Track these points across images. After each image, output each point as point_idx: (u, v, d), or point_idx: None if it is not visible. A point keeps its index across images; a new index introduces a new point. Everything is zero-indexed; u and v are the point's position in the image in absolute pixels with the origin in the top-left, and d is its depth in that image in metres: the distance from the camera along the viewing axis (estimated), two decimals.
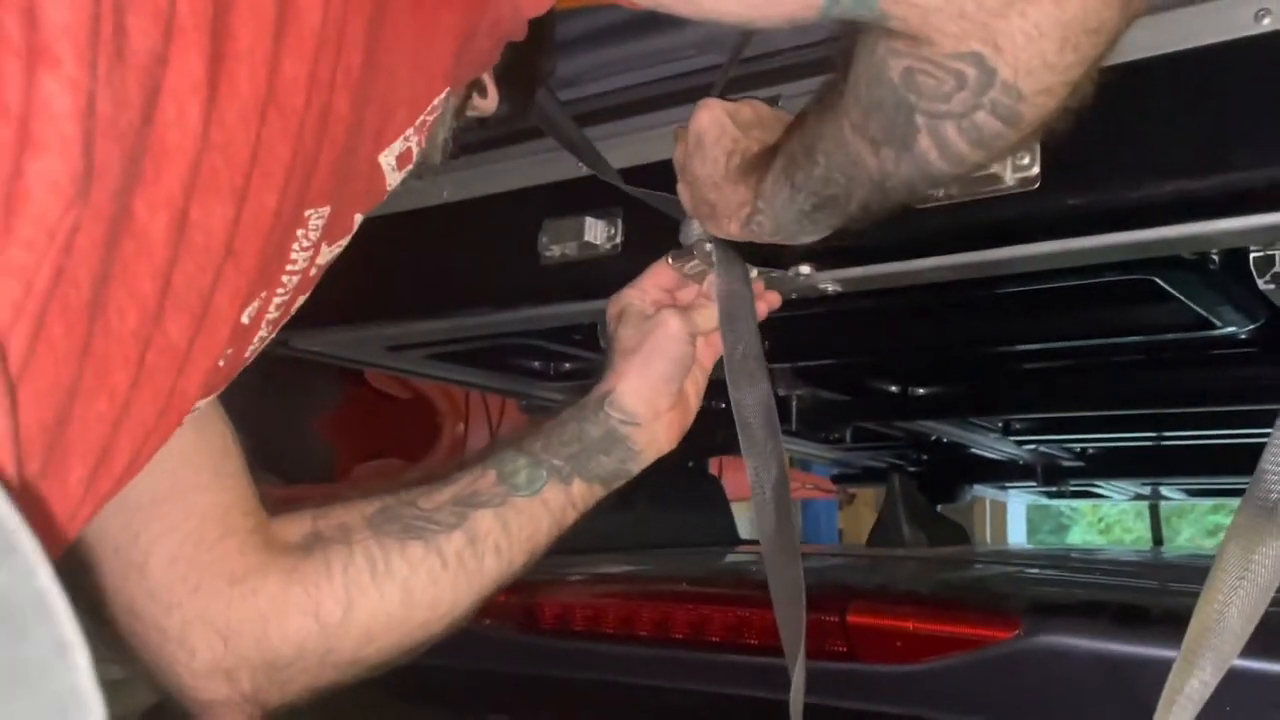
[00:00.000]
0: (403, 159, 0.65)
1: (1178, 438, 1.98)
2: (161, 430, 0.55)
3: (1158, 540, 3.02)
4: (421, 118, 0.65)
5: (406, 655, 0.80)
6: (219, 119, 0.48)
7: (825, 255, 0.90)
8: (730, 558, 1.28)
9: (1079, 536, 6.64)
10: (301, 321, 1.27)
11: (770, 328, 1.26)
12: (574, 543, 1.42)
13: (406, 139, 0.64)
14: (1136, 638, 0.62)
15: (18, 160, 0.40)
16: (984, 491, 2.63)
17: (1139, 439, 2.02)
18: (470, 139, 1.11)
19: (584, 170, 1.03)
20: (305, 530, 0.80)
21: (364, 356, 1.37)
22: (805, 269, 0.91)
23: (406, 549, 0.78)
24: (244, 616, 0.73)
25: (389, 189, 0.67)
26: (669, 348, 0.86)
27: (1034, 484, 2.23)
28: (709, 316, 0.88)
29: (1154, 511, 2.99)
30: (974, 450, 2.12)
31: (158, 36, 0.44)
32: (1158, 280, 0.93)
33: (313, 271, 0.65)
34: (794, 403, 1.53)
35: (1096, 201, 0.77)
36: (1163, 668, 0.59)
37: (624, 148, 0.97)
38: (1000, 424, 1.87)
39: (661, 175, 0.92)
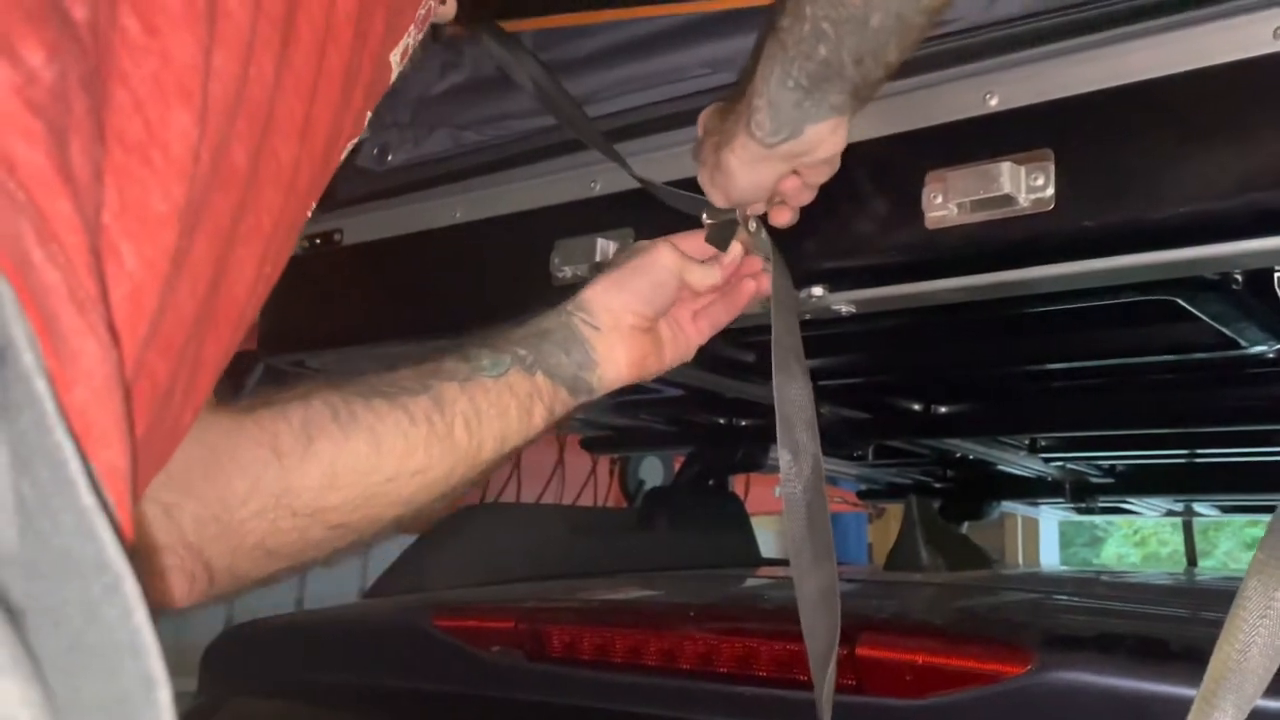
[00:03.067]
0: (403, 55, 0.65)
1: (1208, 455, 1.95)
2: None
3: (1191, 560, 2.97)
4: (420, 11, 0.64)
5: (374, 528, 0.74)
6: (288, 65, 0.49)
7: (838, 277, 0.89)
8: (747, 582, 1.27)
9: (1113, 550, 6.57)
10: (318, 341, 1.28)
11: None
12: (595, 563, 1.42)
13: (409, 35, 0.64)
14: (1157, 674, 0.61)
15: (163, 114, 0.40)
16: (1013, 508, 2.60)
17: (1168, 456, 1.99)
18: (483, 159, 1.11)
19: (596, 190, 1.02)
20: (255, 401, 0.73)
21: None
22: (818, 290, 0.90)
23: (371, 403, 0.73)
24: (190, 453, 0.59)
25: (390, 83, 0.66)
26: (652, 270, 0.85)
27: (1062, 501, 2.20)
28: (707, 274, 0.86)
29: (1187, 529, 2.94)
30: (1001, 467, 2.09)
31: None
32: (1179, 301, 0.91)
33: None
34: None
35: (1112, 223, 0.76)
36: (1184, 706, 0.58)
37: (639, 167, 0.97)
38: (1027, 441, 1.84)
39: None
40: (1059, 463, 1.96)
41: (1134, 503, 2.53)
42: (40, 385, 0.30)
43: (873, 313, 0.93)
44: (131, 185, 0.39)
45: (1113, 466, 2.14)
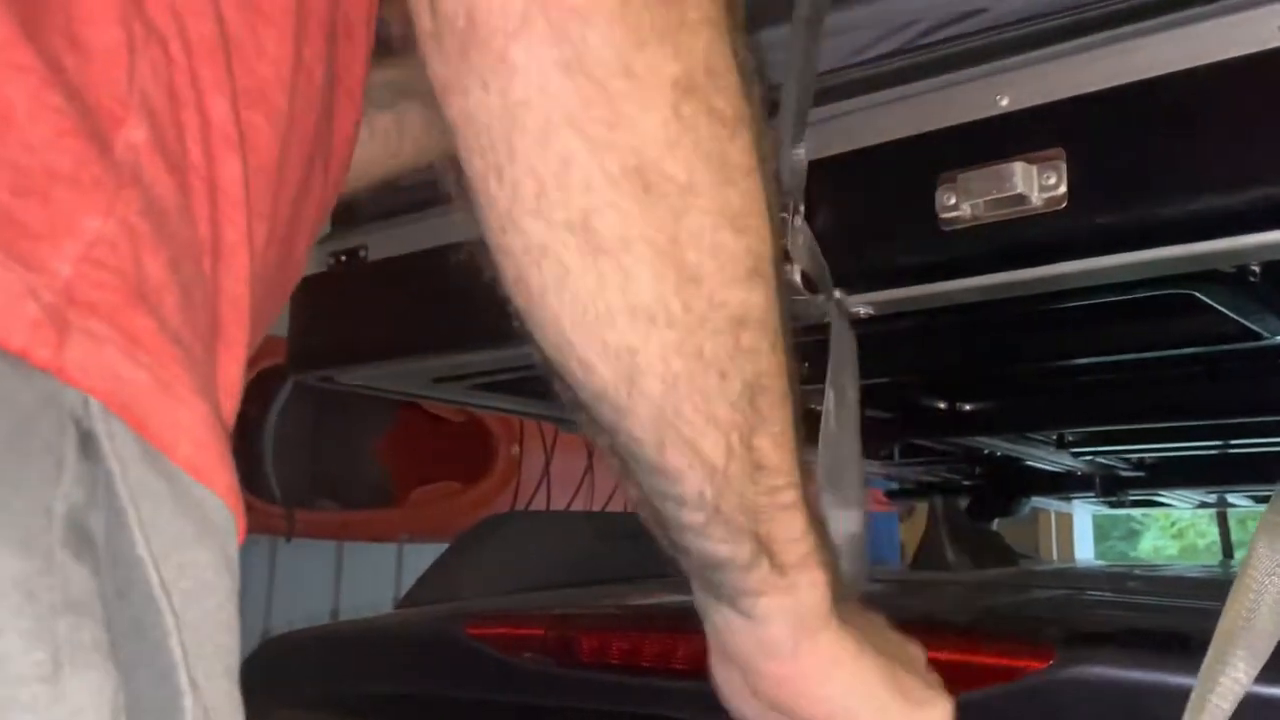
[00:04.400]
0: None
1: (1239, 446, 1.94)
2: None
3: (1227, 552, 2.95)
4: None
5: None
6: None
7: (854, 280, 0.90)
8: None
9: (1151, 543, 6.52)
10: (346, 358, 1.30)
11: (811, 350, 1.27)
12: (624, 568, 1.43)
13: None
14: (1175, 667, 0.61)
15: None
16: (1045, 503, 2.59)
17: (1197, 448, 1.98)
18: None
19: None
20: None
21: (410, 389, 1.39)
22: (837, 293, 0.91)
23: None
24: None
25: None
26: None
27: (1092, 495, 2.19)
28: None
29: (1222, 521, 2.92)
30: (1030, 463, 2.09)
31: None
32: (1196, 294, 0.92)
33: None
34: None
35: (1125, 219, 0.76)
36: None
37: None
38: (1054, 437, 1.84)
39: None
40: (1088, 457, 1.96)
41: (1165, 495, 2.52)
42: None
43: (891, 315, 0.95)
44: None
45: (1142, 460, 2.13)
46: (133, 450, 0.36)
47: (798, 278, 0.89)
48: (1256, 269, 0.91)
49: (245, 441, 3.57)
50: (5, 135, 0.33)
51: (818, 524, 0.57)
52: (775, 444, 0.51)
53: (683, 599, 1.06)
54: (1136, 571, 1.73)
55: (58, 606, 0.33)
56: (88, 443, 0.35)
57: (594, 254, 0.44)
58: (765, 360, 0.50)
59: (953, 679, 0.62)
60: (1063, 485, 2.22)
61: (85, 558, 0.34)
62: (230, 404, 0.44)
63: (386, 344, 1.23)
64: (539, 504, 3.92)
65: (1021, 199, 0.78)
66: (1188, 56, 0.75)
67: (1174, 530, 6.81)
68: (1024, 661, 0.62)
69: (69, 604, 0.33)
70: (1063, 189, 0.77)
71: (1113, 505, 2.78)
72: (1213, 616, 0.60)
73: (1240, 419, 1.55)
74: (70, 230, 0.34)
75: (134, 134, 0.36)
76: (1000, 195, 0.79)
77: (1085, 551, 5.95)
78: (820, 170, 0.89)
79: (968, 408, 1.52)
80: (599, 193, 0.43)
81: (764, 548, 0.54)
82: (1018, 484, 2.26)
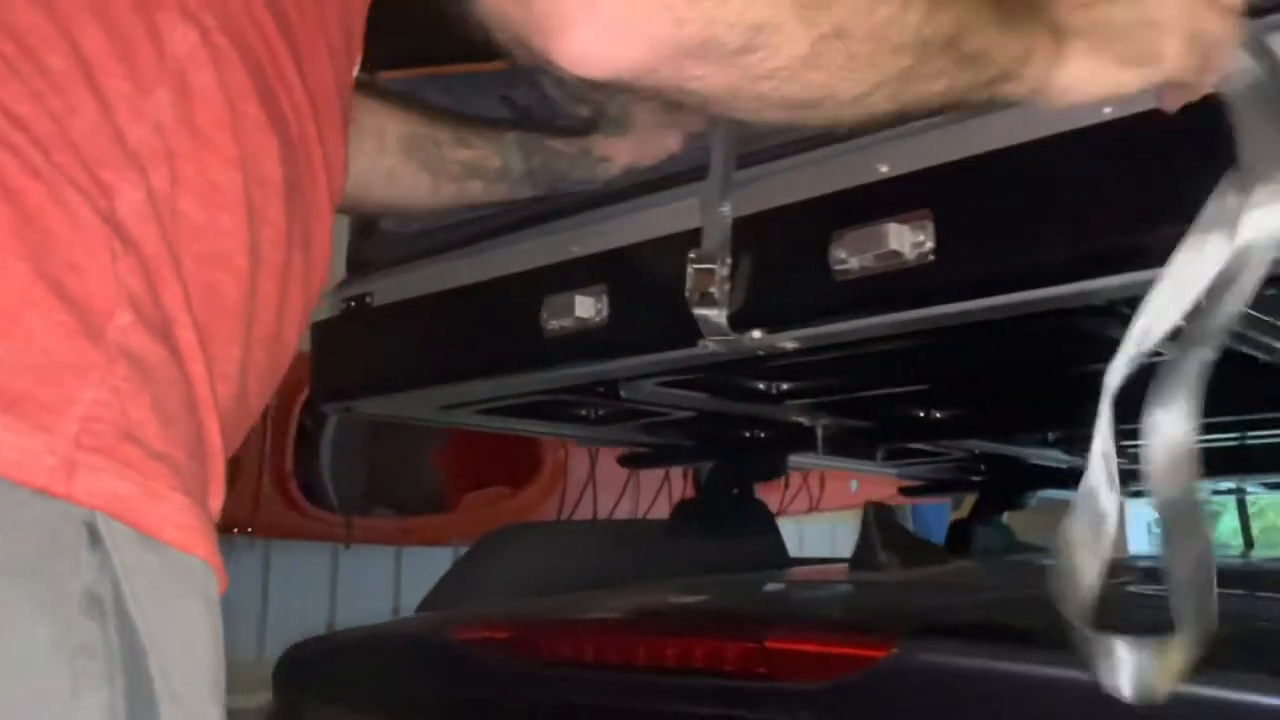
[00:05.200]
0: None
1: (1220, 440, 2.02)
2: None
3: (1249, 542, 3.00)
4: None
5: None
6: None
7: (772, 321, 1.03)
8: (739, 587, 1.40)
9: (1228, 526, 6.48)
10: (361, 391, 1.46)
11: (787, 371, 1.39)
12: (627, 573, 1.56)
13: None
14: (996, 654, 0.74)
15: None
16: (1056, 496, 2.68)
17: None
18: (479, 228, 1.27)
19: (574, 252, 1.18)
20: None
21: (422, 415, 1.54)
22: (757, 333, 1.04)
23: (419, 177, 1.11)
24: None
25: None
26: None
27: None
28: None
29: (1241, 507, 2.97)
30: (1030, 460, 2.19)
31: None
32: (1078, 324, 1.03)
33: None
34: (819, 431, 1.66)
35: (983, 270, 0.89)
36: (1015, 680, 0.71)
37: None
38: (1040, 438, 1.94)
39: None
40: (1077, 455, 2.06)
41: None
42: None
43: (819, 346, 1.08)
44: None
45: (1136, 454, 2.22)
46: (129, 539, 0.52)
47: (724, 320, 1.03)
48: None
49: (304, 457, 3.77)
50: (27, 347, 0.49)
51: None
52: None
53: (654, 600, 1.19)
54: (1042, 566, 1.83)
55: (75, 651, 0.49)
56: (95, 540, 0.51)
57: None
58: None
59: (806, 668, 0.75)
60: (1063, 480, 2.31)
61: (95, 616, 0.50)
62: (218, 487, 0.59)
63: (393, 378, 1.39)
64: (585, 507, 4.07)
65: (896, 254, 0.91)
66: (1034, 129, 0.87)
67: (1253, 510, 6.75)
68: (868, 651, 0.75)
69: (83, 649, 0.49)
70: (930, 245, 0.90)
71: (1130, 496, 2.86)
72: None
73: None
74: (74, 401, 0.50)
75: (121, 319, 0.52)
76: (879, 251, 0.92)
77: (1141, 541, 5.94)
78: (743, 225, 1.03)
79: (939, 415, 1.64)
80: None
81: None
82: (1022, 480, 2.37)
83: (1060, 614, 0.73)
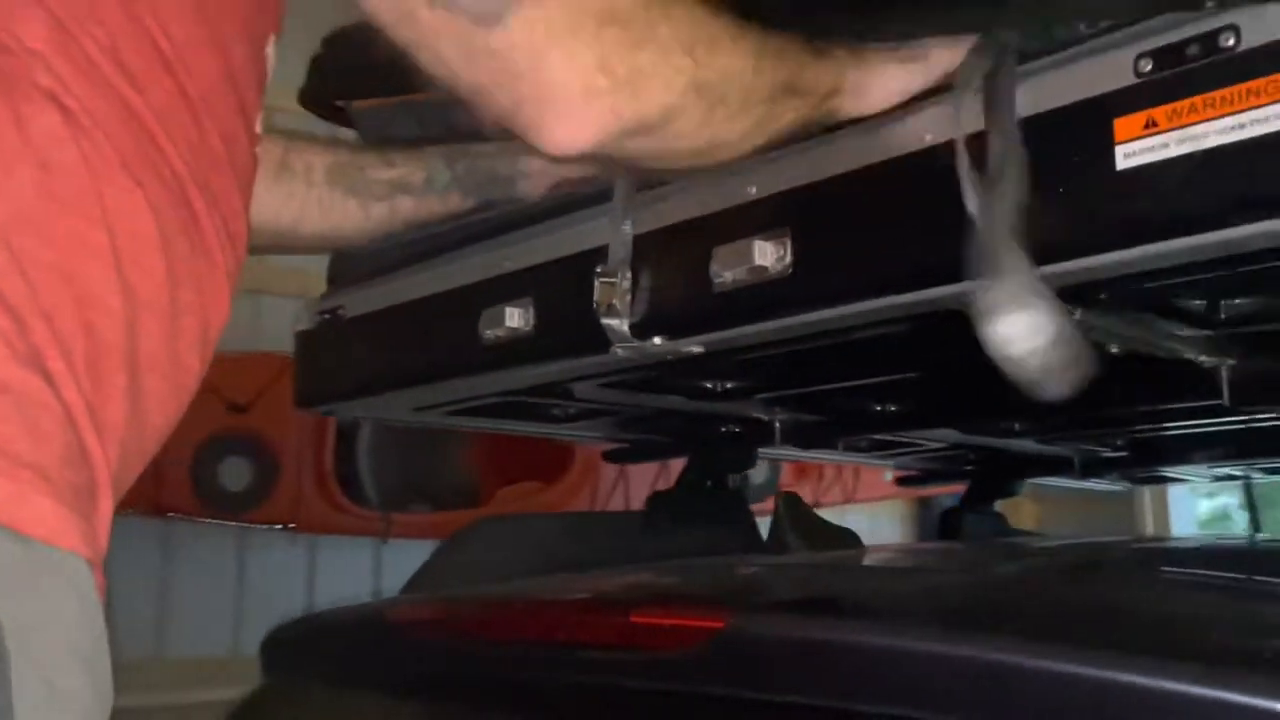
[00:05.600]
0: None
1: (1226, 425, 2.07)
2: None
3: (1256, 526, 3.02)
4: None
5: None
6: None
7: (668, 328, 1.13)
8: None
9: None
10: (337, 396, 1.58)
11: (741, 368, 1.49)
12: (600, 563, 1.67)
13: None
14: (820, 625, 0.84)
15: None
16: (1048, 485, 2.74)
17: (1172, 430, 2.12)
18: (431, 245, 1.39)
19: (506, 268, 1.29)
20: (276, 157, 1.17)
21: (397, 417, 1.67)
22: (658, 340, 1.14)
23: (346, 202, 1.21)
24: None
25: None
26: None
27: (1072, 475, 2.35)
28: None
29: (1248, 492, 2.99)
30: (1013, 450, 2.27)
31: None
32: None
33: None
34: (776, 425, 1.76)
35: (834, 283, 0.99)
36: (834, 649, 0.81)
37: None
38: (1008, 428, 2.02)
39: None
40: (1049, 443, 2.13)
41: (1169, 471, 2.64)
42: None
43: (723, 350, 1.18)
44: None
45: (1121, 442, 2.28)
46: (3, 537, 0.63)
47: (626, 327, 1.13)
48: None
49: (344, 456, 3.94)
50: None
51: None
52: None
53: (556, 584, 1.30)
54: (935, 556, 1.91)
55: None
56: None
57: None
58: None
59: (662, 639, 0.86)
60: (1047, 467, 2.39)
61: None
62: (106, 491, 0.71)
63: (363, 384, 1.51)
64: (617, 500, 4.19)
65: (762, 269, 1.01)
66: (870, 155, 0.97)
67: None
68: (707, 623, 0.85)
69: None
70: (789, 259, 1.00)
71: (1135, 481, 2.92)
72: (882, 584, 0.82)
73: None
74: None
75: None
76: (749, 266, 1.02)
77: (1186, 528, 5.92)
78: (643, 242, 1.13)
79: (892, 409, 1.72)
80: None
81: None
82: (1009, 468, 2.44)
83: (891, 588, 0.83)
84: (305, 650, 1.47)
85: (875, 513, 6.30)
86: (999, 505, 6.62)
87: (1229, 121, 0.75)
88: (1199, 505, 6.22)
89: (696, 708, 0.89)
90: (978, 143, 0.87)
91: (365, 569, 4.29)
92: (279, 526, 3.93)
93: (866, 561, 1.42)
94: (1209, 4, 0.75)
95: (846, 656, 0.81)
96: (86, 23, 0.70)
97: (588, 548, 1.71)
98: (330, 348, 1.54)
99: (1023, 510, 6.53)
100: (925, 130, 0.93)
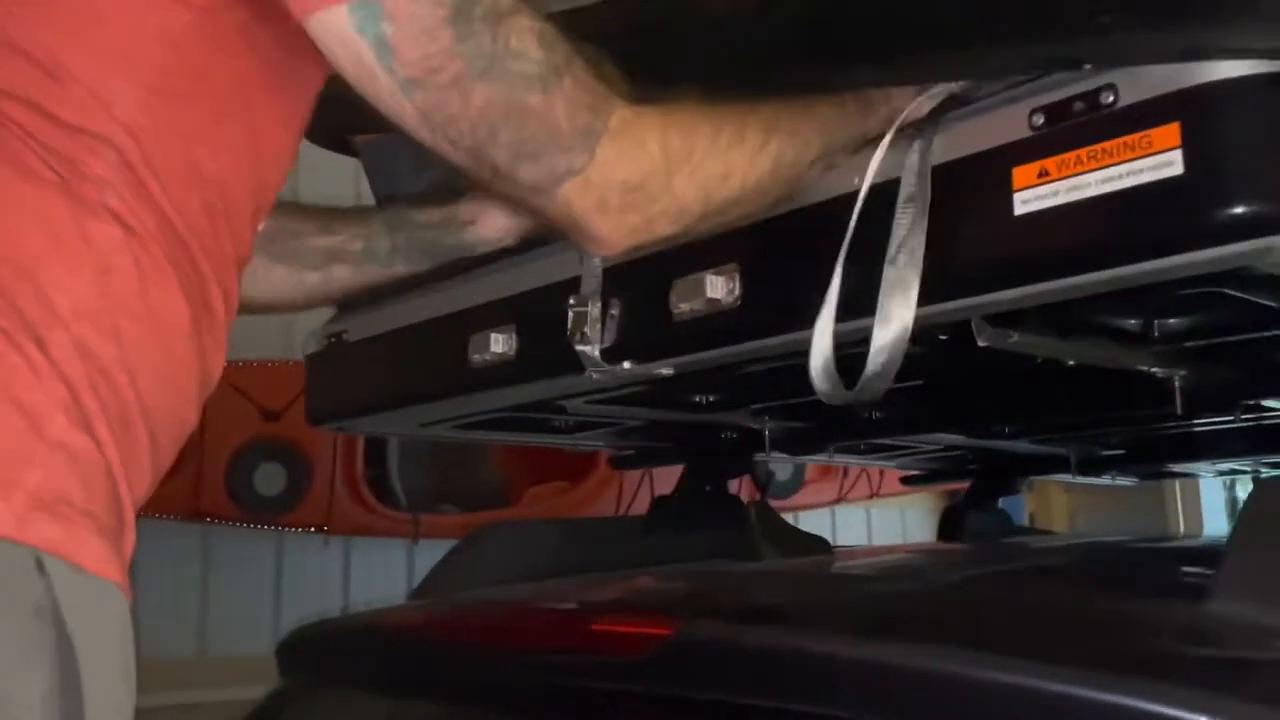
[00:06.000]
0: None
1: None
2: None
3: None
4: None
5: None
6: None
7: (638, 353, 1.21)
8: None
9: None
10: (344, 413, 1.68)
11: (721, 384, 1.58)
12: (603, 566, 1.76)
13: None
14: (762, 633, 0.92)
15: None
16: (1054, 479, 2.79)
17: (1153, 430, 2.17)
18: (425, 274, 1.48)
19: (492, 296, 1.38)
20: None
21: (403, 431, 1.77)
22: (628, 364, 1.23)
23: (272, 270, 1.18)
24: None
25: None
26: None
27: (1068, 473, 2.41)
28: None
29: (1258, 486, 3.03)
30: (1011, 451, 2.33)
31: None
32: None
33: None
34: (766, 433, 1.84)
35: (775, 314, 1.07)
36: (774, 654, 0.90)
37: None
38: (998, 430, 2.08)
39: None
40: (1040, 444, 2.19)
41: (1171, 468, 2.69)
42: None
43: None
44: None
45: (1116, 441, 2.34)
46: (62, 568, 0.74)
47: (598, 353, 1.22)
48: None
49: (373, 461, 4.05)
50: None
51: None
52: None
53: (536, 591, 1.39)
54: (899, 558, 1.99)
55: (29, 642, 0.72)
56: (41, 569, 0.73)
57: None
58: None
59: (619, 645, 0.94)
60: (1045, 466, 2.45)
61: (42, 620, 0.72)
62: (130, 531, 0.82)
63: (366, 403, 1.61)
64: (642, 500, 4.28)
65: (715, 300, 1.09)
66: (811, 196, 1.05)
67: None
68: (657, 630, 0.93)
69: (34, 641, 0.72)
70: (738, 292, 1.08)
71: (1140, 476, 2.97)
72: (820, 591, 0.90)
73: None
74: (23, 481, 0.73)
75: (57, 422, 0.75)
76: (704, 297, 1.10)
77: (1217, 523, 5.92)
78: (612, 274, 1.22)
79: (877, 415, 1.80)
80: None
81: None
82: (1009, 466, 2.51)
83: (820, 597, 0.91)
84: (317, 653, 1.57)
85: (907, 504, 6.34)
86: (1029, 498, 6.65)
87: (1108, 173, 0.82)
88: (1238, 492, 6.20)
89: (651, 707, 0.97)
90: (893, 187, 0.95)
91: (399, 569, 4.41)
92: (313, 529, 4.05)
93: (813, 570, 1.50)
94: (1086, 65, 0.83)
95: (771, 660, 0.89)
96: (147, 163, 0.82)
97: (589, 552, 1.80)
98: (337, 369, 1.63)
99: (1053, 501, 6.57)
100: (854, 173, 1.01)
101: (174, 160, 0.84)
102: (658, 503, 2.03)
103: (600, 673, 1.01)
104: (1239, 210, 0.78)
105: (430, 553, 4.30)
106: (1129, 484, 3.16)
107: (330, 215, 1.23)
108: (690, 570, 1.43)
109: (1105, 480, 2.77)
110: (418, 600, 1.64)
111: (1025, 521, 6.25)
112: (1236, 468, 2.83)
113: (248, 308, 1.21)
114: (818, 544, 1.63)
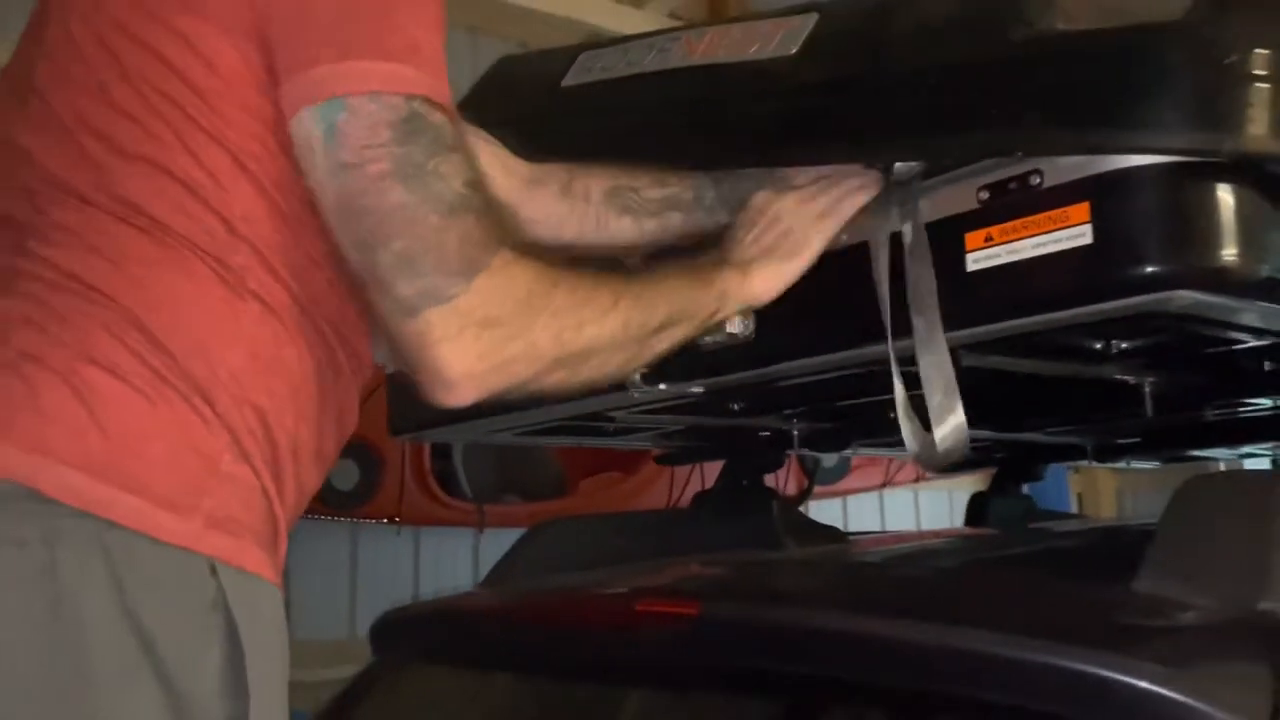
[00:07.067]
0: None
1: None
2: None
3: None
4: None
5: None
6: None
7: (667, 377, 1.43)
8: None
9: None
10: (421, 425, 1.91)
11: (758, 392, 1.79)
12: (649, 556, 1.98)
13: None
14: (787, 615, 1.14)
15: None
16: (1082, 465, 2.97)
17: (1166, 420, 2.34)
18: None
19: None
20: (561, 182, 1.37)
21: (474, 438, 2.00)
22: (663, 386, 1.44)
23: (618, 220, 1.37)
24: None
25: None
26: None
27: (1086, 461, 2.59)
28: None
29: (1276, 466, 3.17)
30: (1034, 440, 2.52)
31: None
32: None
33: None
34: (795, 433, 2.05)
35: (781, 343, 1.28)
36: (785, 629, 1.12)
37: None
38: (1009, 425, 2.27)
39: None
40: (1057, 435, 2.38)
41: (1194, 453, 2.85)
42: None
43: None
44: None
45: (1127, 429, 2.51)
46: (230, 572, 0.96)
47: (638, 377, 1.44)
48: None
49: (440, 455, 4.30)
50: (181, 478, 0.94)
51: None
52: None
53: (594, 578, 1.61)
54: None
55: (205, 628, 0.93)
56: (214, 572, 0.95)
57: None
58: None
59: (658, 623, 1.17)
60: (1066, 454, 2.63)
61: (215, 611, 0.94)
62: (283, 540, 1.05)
63: (439, 416, 1.84)
64: (693, 487, 4.48)
65: (733, 335, 1.31)
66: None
67: None
68: (686, 610, 1.15)
69: (209, 627, 0.93)
70: (752, 328, 1.30)
71: (1165, 460, 3.13)
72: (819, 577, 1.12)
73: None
74: (201, 506, 0.95)
75: (226, 458, 0.97)
76: (726, 332, 1.31)
77: None
78: None
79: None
80: None
81: None
82: (1032, 454, 2.69)
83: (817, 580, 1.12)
84: (407, 633, 1.81)
85: (954, 486, 6.48)
86: (1077, 479, 6.70)
87: (1038, 240, 1.03)
88: None
89: (687, 673, 1.20)
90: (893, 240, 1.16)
91: (465, 557, 4.67)
92: (385, 521, 4.31)
93: (818, 559, 1.72)
94: (1018, 153, 1.03)
95: (777, 634, 1.11)
96: (274, 251, 1.02)
97: (637, 543, 2.02)
98: (412, 385, 1.86)
99: (1100, 482, 6.67)
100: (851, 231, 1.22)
101: (294, 253, 1.04)
102: (697, 498, 2.24)
103: (643, 646, 1.23)
104: (1137, 271, 0.98)
105: (494, 541, 4.56)
106: (1149, 467, 3.32)
107: (663, 170, 1.38)
108: (720, 559, 1.64)
109: (1122, 465, 2.95)
110: (489, 587, 1.87)
111: (1073, 502, 6.38)
112: (1254, 452, 2.98)
113: (603, 249, 1.39)
114: (831, 534, 1.84)
